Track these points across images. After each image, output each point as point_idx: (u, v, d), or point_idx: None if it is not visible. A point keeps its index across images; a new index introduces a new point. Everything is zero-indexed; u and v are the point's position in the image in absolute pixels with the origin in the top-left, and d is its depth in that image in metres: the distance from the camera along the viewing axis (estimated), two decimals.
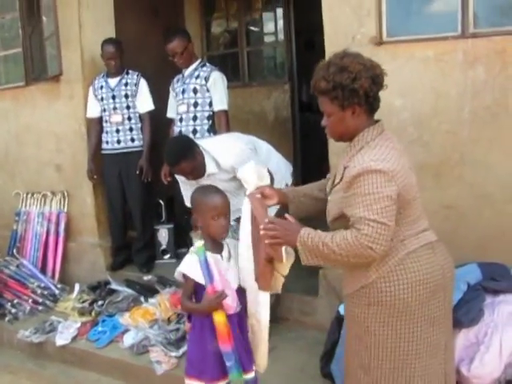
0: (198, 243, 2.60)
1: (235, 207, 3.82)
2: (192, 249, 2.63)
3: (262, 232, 2.25)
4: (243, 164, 3.51)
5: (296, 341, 3.81)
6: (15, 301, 4.85)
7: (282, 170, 3.82)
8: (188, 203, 3.90)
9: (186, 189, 3.86)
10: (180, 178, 3.84)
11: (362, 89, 2.16)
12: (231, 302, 2.52)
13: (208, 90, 4.45)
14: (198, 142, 3.75)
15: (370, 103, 2.22)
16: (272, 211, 2.72)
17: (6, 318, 4.71)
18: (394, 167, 2.10)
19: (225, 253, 2.60)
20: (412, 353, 2.23)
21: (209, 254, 2.55)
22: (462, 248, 3.15)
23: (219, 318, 2.49)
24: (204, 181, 3.71)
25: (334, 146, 3.61)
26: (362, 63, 2.18)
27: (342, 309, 3.14)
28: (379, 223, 2.06)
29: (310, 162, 5.55)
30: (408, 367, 2.24)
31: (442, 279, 2.23)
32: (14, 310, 4.75)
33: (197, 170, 3.61)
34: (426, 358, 2.24)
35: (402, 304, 2.19)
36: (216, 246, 2.59)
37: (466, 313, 2.88)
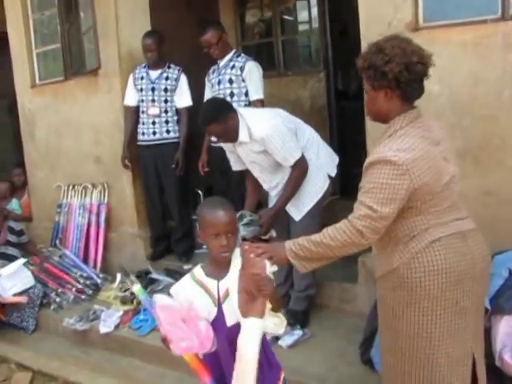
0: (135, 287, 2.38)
1: (269, 184, 3.85)
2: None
3: (246, 247, 2.22)
4: (273, 138, 3.52)
5: (336, 328, 3.82)
6: (59, 290, 4.99)
7: (322, 160, 3.78)
8: (234, 168, 3.94)
9: (231, 152, 3.90)
10: (224, 145, 3.87)
11: (391, 72, 2.16)
12: (193, 344, 2.11)
13: (243, 80, 4.46)
14: (237, 108, 3.77)
15: (403, 89, 2.21)
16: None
17: (51, 307, 4.86)
18: (413, 158, 2.11)
19: (226, 280, 2.22)
20: (433, 338, 2.25)
21: (196, 279, 2.27)
22: (502, 234, 3.12)
23: (185, 357, 2.28)
24: (237, 148, 3.75)
25: (371, 134, 3.61)
26: (401, 48, 2.18)
27: None
28: (374, 211, 2.12)
29: (348, 151, 5.53)
30: (430, 351, 2.26)
31: (472, 269, 2.22)
32: (58, 299, 4.89)
33: (227, 134, 3.63)
34: (448, 345, 2.25)
35: (423, 290, 2.21)
36: (218, 268, 2.25)
37: (507, 299, 2.85)
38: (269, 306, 2.12)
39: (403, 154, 2.11)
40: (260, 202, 4.09)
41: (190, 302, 2.20)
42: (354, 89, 6.46)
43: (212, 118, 3.58)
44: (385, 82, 2.20)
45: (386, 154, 2.15)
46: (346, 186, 5.70)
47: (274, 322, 2.18)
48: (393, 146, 2.16)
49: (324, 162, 3.79)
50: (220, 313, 2.21)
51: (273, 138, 3.52)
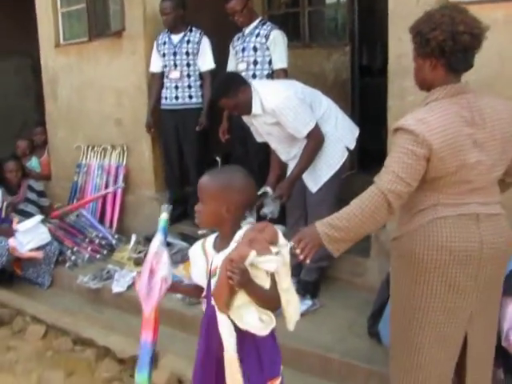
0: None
1: (286, 156, 3.86)
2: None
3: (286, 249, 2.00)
4: (284, 110, 3.52)
5: (345, 300, 3.86)
6: (75, 248, 5.07)
7: (341, 132, 3.77)
8: (258, 139, 3.96)
9: (250, 124, 3.93)
10: (244, 117, 3.91)
11: (435, 40, 2.14)
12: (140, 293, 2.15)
13: (268, 49, 4.45)
14: (251, 81, 3.79)
15: (447, 58, 2.18)
16: None
17: (67, 264, 4.94)
18: (434, 132, 2.10)
19: (220, 256, 2.03)
20: (423, 311, 2.28)
21: (203, 246, 2.17)
22: None
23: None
24: (253, 120, 3.79)
25: (393, 110, 3.58)
26: (451, 17, 2.14)
27: None
28: (398, 176, 2.13)
29: (368, 127, 5.50)
30: (418, 324, 2.30)
31: (478, 252, 2.20)
32: (73, 257, 4.97)
33: (239, 107, 3.69)
34: (440, 321, 2.27)
35: (421, 264, 2.23)
36: (221, 240, 2.12)
37: None
38: (246, 299, 1.92)
39: (424, 126, 2.11)
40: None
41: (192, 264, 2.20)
42: (379, 65, 6.41)
43: (222, 93, 3.65)
44: (429, 49, 2.18)
45: (407, 122, 2.16)
46: (364, 161, 5.70)
47: (261, 319, 1.95)
48: (418, 116, 2.16)
49: (343, 134, 3.78)
50: (208, 288, 2.10)
51: (284, 110, 3.54)
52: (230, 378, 2.02)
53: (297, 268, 3.93)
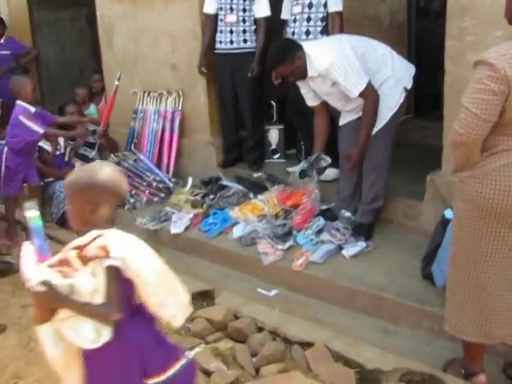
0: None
1: (346, 109, 3.86)
2: None
3: None
4: (335, 71, 3.53)
5: (398, 242, 3.87)
6: (133, 192, 5.21)
7: (399, 74, 3.76)
8: (309, 103, 3.98)
9: (304, 88, 3.94)
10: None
11: None
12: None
13: None
14: (302, 44, 3.77)
15: None
16: None
17: (126, 207, 5.08)
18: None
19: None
20: (489, 252, 2.30)
21: None
22: None
23: None
24: (309, 83, 3.80)
25: (451, 53, 3.50)
26: None
27: (447, 213, 3.16)
28: (471, 112, 2.12)
29: (424, 71, 5.38)
30: (485, 264, 2.33)
31: None
32: (132, 200, 5.12)
33: (295, 73, 3.72)
34: (503, 262, 2.30)
35: (490, 207, 2.25)
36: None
37: None
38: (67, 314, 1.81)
39: (506, 61, 2.08)
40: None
41: None
42: (436, 6, 6.21)
43: (278, 61, 3.69)
44: None
45: (488, 55, 2.13)
46: (420, 105, 5.62)
47: (93, 329, 1.82)
48: (502, 51, 2.13)
49: (401, 76, 3.77)
50: None
51: (334, 71, 3.55)
52: None
53: (354, 213, 3.98)
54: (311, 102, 3.98)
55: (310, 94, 3.93)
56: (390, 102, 3.71)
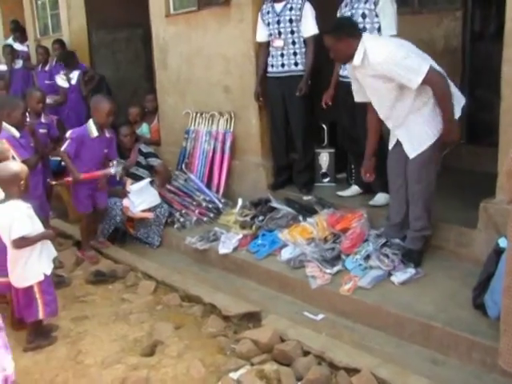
0: None
1: (387, 113, 3.81)
2: None
3: None
4: (391, 60, 3.48)
5: (449, 270, 3.80)
6: (183, 211, 5.30)
7: None
8: (357, 98, 3.99)
9: (355, 84, 3.96)
10: (349, 68, 3.98)
11: None
12: None
13: (377, 15, 4.36)
14: (364, 35, 3.77)
15: None
16: None
17: (175, 226, 5.18)
18: None
19: None
20: None
21: None
22: None
23: None
24: (355, 72, 3.81)
25: (508, 78, 3.45)
26: None
27: (501, 241, 3.09)
28: None
29: (479, 96, 5.30)
30: None
31: None
32: (182, 219, 5.20)
33: (338, 52, 3.78)
34: None
35: None
36: None
37: None
38: None
39: None
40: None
41: None
42: (492, 30, 6.12)
43: (333, 30, 3.77)
44: None
45: None
46: (473, 131, 5.52)
47: None
48: None
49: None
50: None
51: (390, 60, 3.51)
52: None
53: (401, 236, 3.93)
54: (360, 98, 3.98)
55: (361, 90, 3.92)
56: (430, 129, 3.64)
